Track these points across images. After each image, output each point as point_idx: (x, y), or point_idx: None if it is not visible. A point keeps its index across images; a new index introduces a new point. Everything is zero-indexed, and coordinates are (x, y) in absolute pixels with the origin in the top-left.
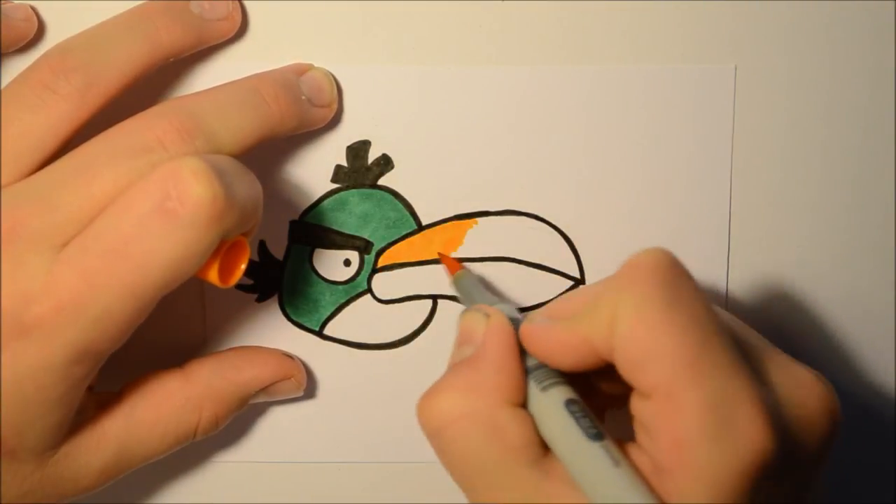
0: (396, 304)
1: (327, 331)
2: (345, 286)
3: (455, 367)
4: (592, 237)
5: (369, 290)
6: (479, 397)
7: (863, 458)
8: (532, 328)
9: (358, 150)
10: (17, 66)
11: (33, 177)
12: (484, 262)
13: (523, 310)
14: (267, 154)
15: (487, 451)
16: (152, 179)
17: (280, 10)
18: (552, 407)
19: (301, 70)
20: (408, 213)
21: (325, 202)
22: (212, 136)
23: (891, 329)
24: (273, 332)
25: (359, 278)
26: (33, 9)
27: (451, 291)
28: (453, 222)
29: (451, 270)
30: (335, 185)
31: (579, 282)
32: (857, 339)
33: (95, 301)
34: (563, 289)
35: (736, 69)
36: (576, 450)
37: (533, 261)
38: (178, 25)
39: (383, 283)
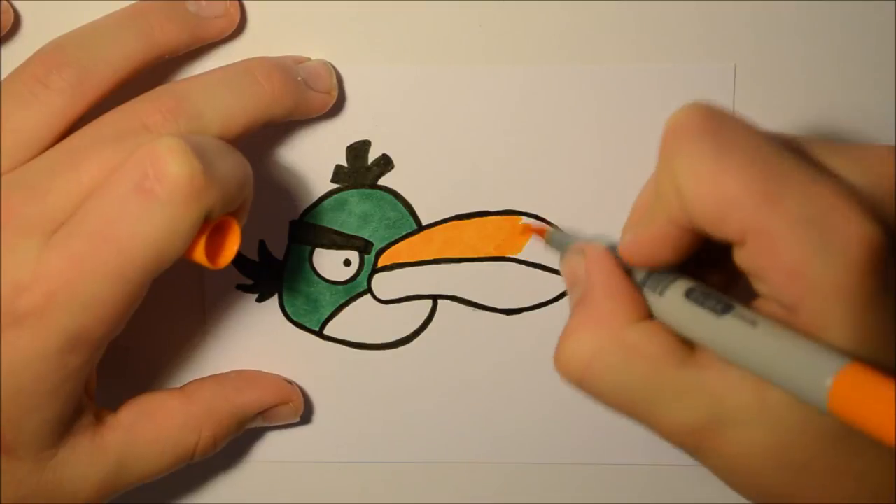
0: (396, 304)
1: (327, 331)
2: (345, 286)
3: (571, 312)
4: (593, 237)
5: (369, 290)
6: (603, 327)
7: None
8: (625, 243)
9: (358, 150)
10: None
11: (24, 167)
12: (484, 262)
13: (518, 311)
14: (267, 154)
15: (634, 371)
16: (131, 161)
17: (280, 10)
18: (674, 304)
19: (299, 60)
20: (408, 213)
21: (326, 202)
22: (197, 116)
23: None
24: (273, 332)
25: (359, 278)
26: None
27: (450, 291)
28: (453, 222)
29: (541, 234)
30: (335, 185)
31: None
32: None
33: (84, 285)
34: (564, 289)
35: (735, 68)
36: (712, 331)
37: (533, 261)
38: (173, 23)
39: (383, 283)
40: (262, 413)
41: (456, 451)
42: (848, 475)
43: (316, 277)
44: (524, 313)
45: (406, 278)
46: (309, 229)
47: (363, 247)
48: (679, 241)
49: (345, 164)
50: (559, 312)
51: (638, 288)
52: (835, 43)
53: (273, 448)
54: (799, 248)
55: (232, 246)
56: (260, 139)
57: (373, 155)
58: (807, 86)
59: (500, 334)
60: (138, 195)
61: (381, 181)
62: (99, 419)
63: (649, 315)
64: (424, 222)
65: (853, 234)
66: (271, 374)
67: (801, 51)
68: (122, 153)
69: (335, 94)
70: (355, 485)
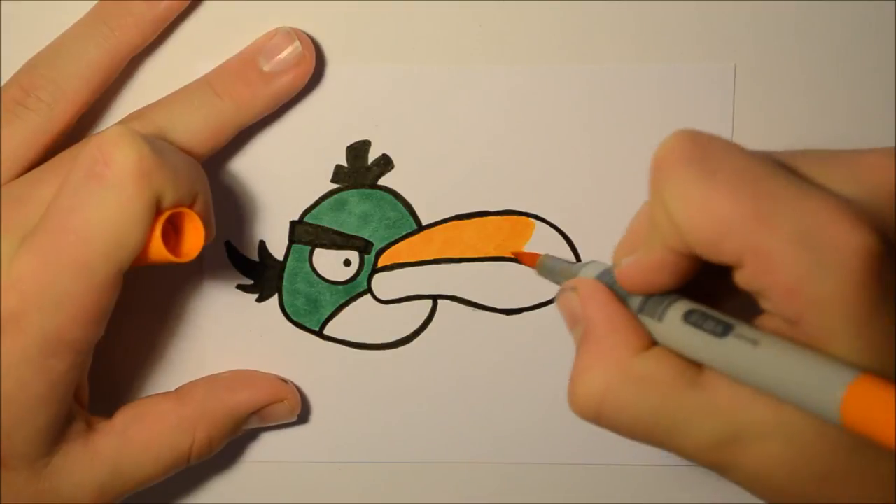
0: (396, 304)
1: (327, 331)
2: (345, 286)
3: (577, 350)
4: (592, 237)
5: (369, 291)
6: (610, 363)
7: None
8: (623, 270)
9: (358, 150)
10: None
11: (11, 183)
12: (484, 262)
13: (518, 311)
14: (267, 154)
15: (647, 401)
16: (83, 152)
17: (280, 10)
18: (675, 329)
19: (263, 43)
20: (408, 213)
21: (325, 202)
22: (160, 136)
23: None
24: (273, 332)
25: (359, 278)
26: None
27: (450, 291)
28: (453, 222)
29: (531, 264)
30: (335, 185)
31: None
32: None
33: (52, 281)
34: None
35: (735, 68)
36: (715, 353)
37: None
38: (129, 19)
39: (383, 283)
40: (258, 413)
41: (456, 451)
42: (871, 481)
43: (316, 277)
44: (524, 313)
45: (406, 278)
46: (309, 229)
47: (363, 247)
48: (677, 267)
49: (345, 164)
50: (559, 313)
51: (635, 315)
52: (835, 43)
53: (273, 448)
54: (795, 266)
55: (195, 237)
56: (260, 139)
57: (373, 155)
58: (806, 86)
59: (500, 334)
60: (89, 181)
61: (381, 181)
62: (91, 426)
63: (653, 342)
64: (424, 222)
65: (848, 245)
66: (266, 373)
67: (800, 51)
68: None
69: (310, 61)
70: (355, 485)
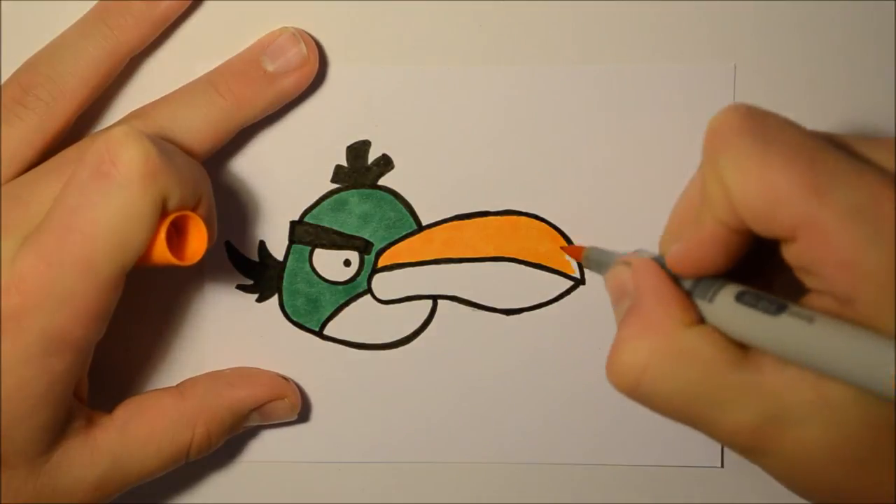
0: (396, 305)
1: (327, 331)
2: (345, 286)
3: (621, 322)
4: (593, 237)
5: (369, 291)
6: (654, 334)
7: None
8: (673, 252)
9: (358, 150)
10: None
11: (11, 182)
12: (484, 262)
13: (518, 311)
14: (267, 154)
15: (689, 376)
16: (89, 150)
17: (280, 10)
18: (726, 309)
19: (267, 43)
20: (408, 213)
21: (325, 202)
22: (161, 133)
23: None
24: (273, 332)
25: (359, 278)
26: None
27: (450, 291)
28: (453, 222)
29: (578, 256)
30: (335, 186)
31: (579, 282)
32: None
33: (55, 280)
34: (564, 289)
35: (735, 68)
36: (768, 332)
37: (534, 262)
38: (129, 19)
39: (383, 284)
40: (258, 410)
41: (455, 451)
42: None
43: (316, 278)
44: (524, 313)
45: (406, 278)
46: (309, 229)
47: (363, 247)
48: (728, 243)
49: (345, 164)
50: (559, 312)
51: (689, 295)
52: (835, 42)
53: (273, 448)
54: (851, 239)
55: (199, 241)
56: (260, 139)
57: (373, 155)
58: (807, 85)
59: (500, 334)
60: (96, 180)
61: (381, 181)
62: (91, 421)
63: (701, 320)
64: (424, 222)
65: None
66: (267, 370)
67: (800, 50)
68: None
69: (314, 63)
70: (355, 485)
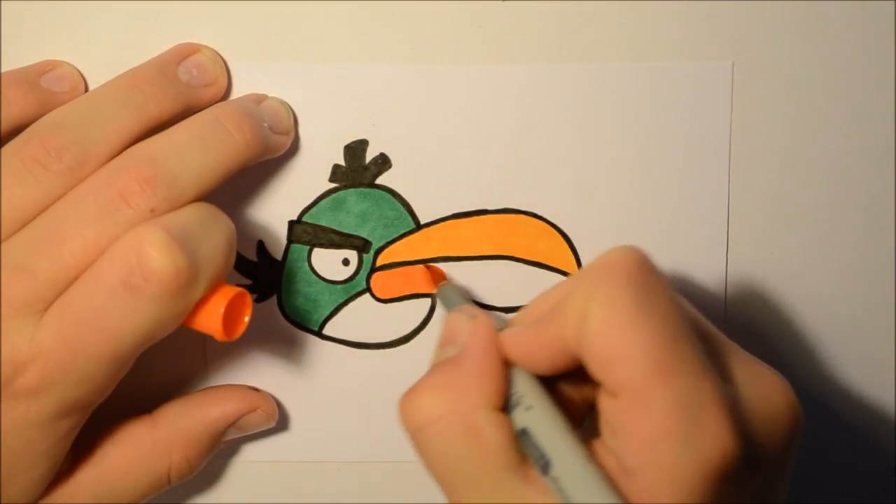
0: (395, 304)
1: (326, 330)
2: (344, 285)
3: (437, 366)
4: (591, 235)
5: (368, 290)
6: (458, 398)
7: (865, 460)
8: (506, 333)
9: (356, 150)
10: None
11: (9, 240)
12: (482, 261)
13: (516, 310)
14: None
15: (465, 452)
16: (117, 252)
17: (280, 10)
18: (518, 422)
19: (258, 99)
20: (406, 212)
21: (323, 202)
22: (174, 182)
23: (891, 326)
24: (272, 332)
25: (357, 277)
26: None
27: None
28: (452, 221)
29: (436, 281)
30: (333, 185)
31: None
32: (857, 337)
33: (76, 365)
34: None
35: (733, 66)
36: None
37: (533, 260)
38: (167, 95)
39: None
40: (234, 424)
41: None
42: None
43: (315, 277)
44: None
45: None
46: (307, 229)
47: (361, 246)
48: (557, 360)
49: (342, 163)
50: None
51: (508, 378)
52: (833, 41)
53: (271, 448)
54: (665, 428)
55: (244, 317)
56: None
57: (370, 154)
58: (805, 84)
59: None
60: (125, 291)
61: (379, 180)
62: (74, 458)
63: (505, 406)
64: (423, 221)
65: (716, 439)
66: (237, 385)
67: (799, 49)
68: (104, 234)
69: (293, 134)
70: (354, 484)
